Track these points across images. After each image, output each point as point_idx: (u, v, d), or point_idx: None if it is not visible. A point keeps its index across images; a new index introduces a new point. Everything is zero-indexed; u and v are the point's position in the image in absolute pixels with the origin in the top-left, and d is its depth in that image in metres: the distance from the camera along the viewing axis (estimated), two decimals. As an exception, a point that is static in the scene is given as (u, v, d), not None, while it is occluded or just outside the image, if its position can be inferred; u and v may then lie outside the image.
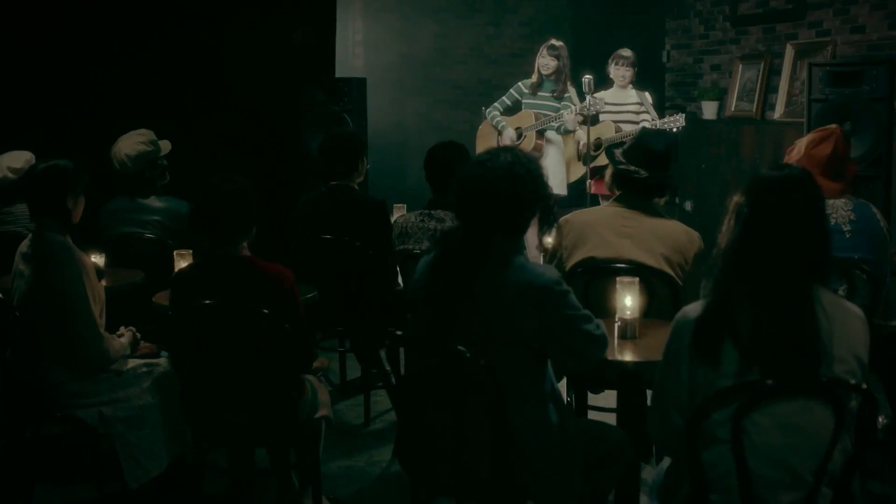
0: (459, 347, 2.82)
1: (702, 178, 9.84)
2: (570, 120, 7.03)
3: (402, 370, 3.15)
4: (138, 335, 4.25)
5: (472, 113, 11.97)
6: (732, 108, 9.68)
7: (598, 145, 7.18)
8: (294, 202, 7.47)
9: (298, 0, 7.80)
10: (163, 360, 4.13)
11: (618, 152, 4.11)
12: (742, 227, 2.58)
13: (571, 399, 4.16)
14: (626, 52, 7.30)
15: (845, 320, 2.54)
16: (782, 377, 2.47)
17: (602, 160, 7.19)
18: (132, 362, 4.07)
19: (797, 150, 4.40)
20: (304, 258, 5.18)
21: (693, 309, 2.62)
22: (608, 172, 4.19)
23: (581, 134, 7.16)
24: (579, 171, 7.33)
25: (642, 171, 3.99)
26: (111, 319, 4.14)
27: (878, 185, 6.11)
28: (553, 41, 7.36)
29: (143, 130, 5.28)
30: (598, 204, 7.37)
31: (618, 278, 3.47)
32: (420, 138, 12.43)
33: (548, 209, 3.11)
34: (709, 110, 9.87)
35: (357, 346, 5.46)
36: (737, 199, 2.64)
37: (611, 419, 4.38)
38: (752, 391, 2.46)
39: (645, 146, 4.05)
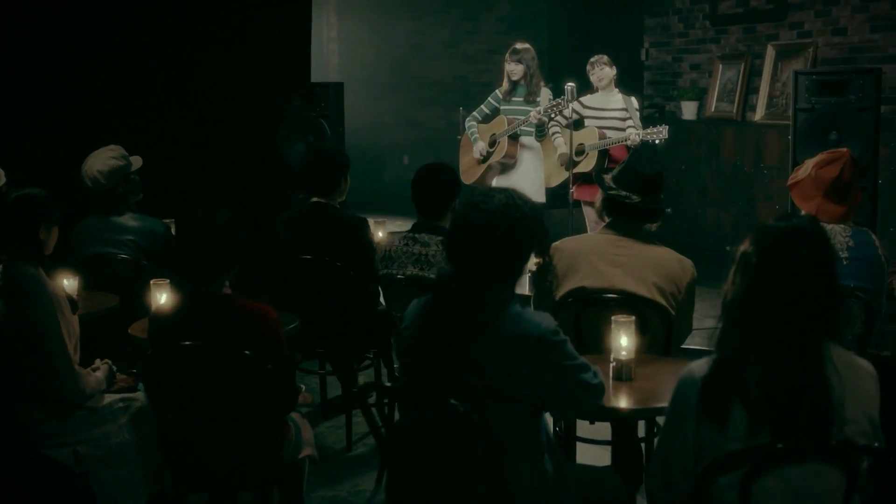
0: (452, 401, 2.70)
1: (681, 179, 9.78)
2: (536, 117, 6.88)
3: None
4: (114, 368, 4.10)
5: (448, 110, 11.86)
6: (712, 109, 9.61)
7: (580, 151, 7.08)
8: (271, 210, 7.36)
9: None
10: (140, 394, 3.99)
11: (608, 178, 4.01)
12: (749, 280, 2.48)
13: (560, 428, 4.05)
14: (597, 56, 7.21)
15: (857, 379, 2.45)
16: (793, 440, 2.37)
17: (584, 166, 7.09)
18: (108, 398, 3.93)
19: (804, 169, 4.35)
20: (284, 278, 5.06)
21: (699, 367, 2.51)
22: (598, 198, 4.08)
23: (562, 141, 7.04)
24: (562, 175, 7.22)
25: (634, 196, 3.89)
26: (86, 349, 4.00)
27: (864, 196, 6.01)
28: (516, 45, 7.21)
29: (113, 146, 5.13)
30: (580, 209, 7.30)
31: (613, 317, 3.36)
32: (396, 136, 12.34)
33: (543, 246, 3.01)
34: (688, 110, 9.80)
35: (338, 366, 5.35)
36: (743, 248, 2.53)
37: (602, 451, 4.33)
38: (762, 456, 2.36)
39: (636, 170, 3.94)
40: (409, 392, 2.90)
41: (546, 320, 2.83)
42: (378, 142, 12.21)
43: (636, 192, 3.90)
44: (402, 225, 4.56)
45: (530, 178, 7.23)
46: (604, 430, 4.31)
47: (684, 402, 2.50)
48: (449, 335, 2.82)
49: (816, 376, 2.40)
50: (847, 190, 4.25)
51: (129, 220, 5.12)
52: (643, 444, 4.12)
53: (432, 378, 2.83)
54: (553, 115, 6.97)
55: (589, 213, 7.23)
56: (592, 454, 4.39)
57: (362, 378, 5.72)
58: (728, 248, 9.61)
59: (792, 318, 2.42)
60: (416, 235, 4.41)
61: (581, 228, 7.27)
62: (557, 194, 7.54)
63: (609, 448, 3.96)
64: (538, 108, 6.92)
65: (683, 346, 4.08)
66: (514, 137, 7.13)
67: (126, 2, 7.00)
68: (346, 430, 5.16)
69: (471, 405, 2.71)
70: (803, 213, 4.34)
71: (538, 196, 7.24)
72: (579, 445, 4.14)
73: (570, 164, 6.96)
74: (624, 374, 3.30)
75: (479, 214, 2.84)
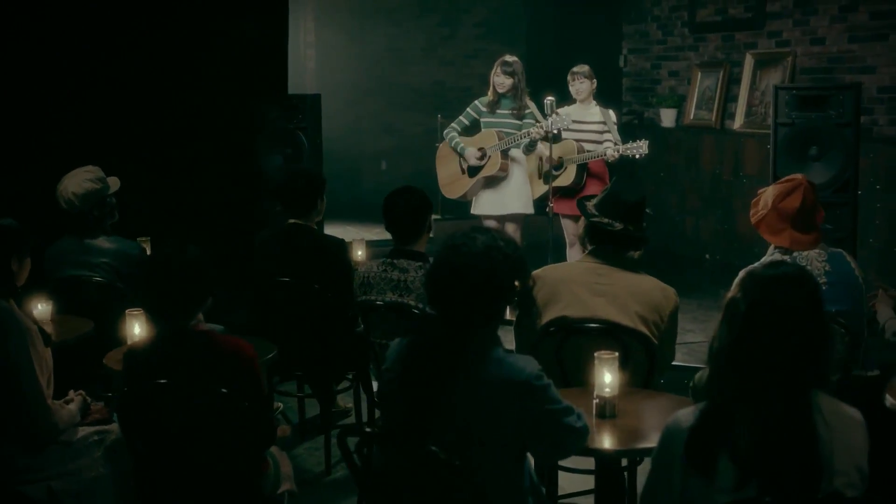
0: (433, 448, 2.65)
1: (660, 185, 9.77)
2: (538, 134, 6.81)
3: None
4: (88, 399, 4.03)
5: (426, 115, 11.82)
6: (691, 117, 9.60)
7: (558, 164, 7.04)
8: (250, 223, 7.28)
9: (249, 2, 7.57)
10: (115, 426, 3.90)
11: (590, 205, 3.96)
12: (737, 328, 2.43)
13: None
14: (578, 67, 7.15)
15: (846, 429, 2.42)
16: (782, 494, 2.33)
17: (563, 180, 7.06)
18: (82, 430, 3.85)
19: (763, 203, 4.25)
20: (262, 300, 5.01)
21: (685, 416, 2.47)
22: (580, 225, 4.03)
23: (543, 149, 6.97)
24: (540, 188, 7.18)
25: (616, 224, 3.85)
26: (60, 375, 3.93)
27: (845, 212, 6.03)
28: (506, 57, 7.13)
29: (90, 167, 5.03)
30: (560, 223, 7.26)
31: (596, 354, 3.31)
32: (374, 142, 12.27)
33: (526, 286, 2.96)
34: (667, 118, 9.79)
35: (317, 387, 5.29)
36: (731, 295, 2.49)
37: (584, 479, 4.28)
38: (750, 510, 2.32)
39: (618, 197, 3.90)
40: (390, 437, 2.84)
41: (529, 364, 2.78)
42: (355, 148, 12.13)
43: (618, 220, 3.85)
44: (381, 233, 4.53)
45: (519, 190, 7.18)
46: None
47: (670, 452, 2.45)
48: (431, 379, 2.77)
49: (805, 427, 2.36)
50: (812, 216, 4.20)
51: (103, 242, 5.04)
52: (626, 473, 4.07)
53: (413, 422, 2.78)
54: (558, 131, 6.83)
55: (567, 226, 7.20)
56: (576, 483, 4.36)
57: (341, 400, 5.67)
58: (707, 256, 9.64)
59: (780, 367, 2.39)
60: (395, 261, 4.37)
61: (559, 239, 7.25)
62: (536, 205, 7.50)
63: (591, 476, 3.92)
64: (539, 124, 6.80)
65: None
66: (504, 153, 7.05)
67: (98, 16, 6.89)
68: (324, 452, 5.11)
69: (453, 452, 2.65)
70: (772, 248, 4.31)
71: (527, 208, 7.20)
72: (561, 475, 4.11)
73: (547, 176, 6.91)
74: (608, 412, 3.26)
75: (460, 257, 2.78)
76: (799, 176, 4.30)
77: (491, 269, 2.78)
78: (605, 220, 3.87)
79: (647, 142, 6.71)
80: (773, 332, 2.40)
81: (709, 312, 7.21)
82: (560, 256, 7.12)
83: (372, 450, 2.80)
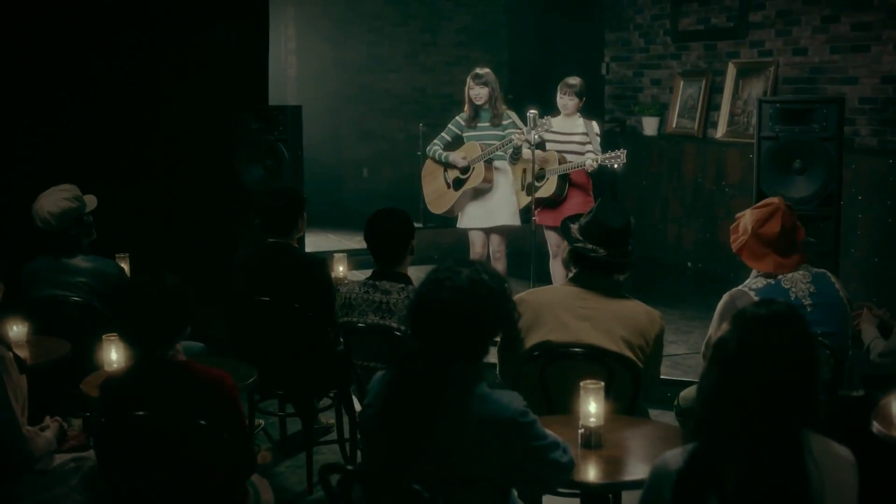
0: (415, 486, 2.60)
1: (642, 194, 9.76)
2: (519, 140, 6.76)
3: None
4: (65, 425, 3.97)
5: (407, 121, 11.79)
6: (673, 125, 9.58)
7: (541, 175, 7.00)
8: (228, 236, 7.23)
9: (229, 6, 7.52)
10: (92, 453, 3.84)
11: (574, 228, 3.92)
12: (727, 368, 2.39)
13: None
14: (573, 81, 7.09)
15: (836, 469, 2.38)
16: (771, 537, 2.29)
17: (545, 191, 7.02)
18: (59, 458, 3.81)
19: (743, 229, 4.20)
20: (242, 319, 4.95)
21: (673, 458, 2.42)
22: (564, 248, 3.99)
23: (529, 153, 6.90)
24: (524, 200, 7.15)
25: (600, 250, 3.81)
26: (35, 400, 3.87)
27: (828, 225, 6.01)
28: (477, 70, 7.11)
29: (66, 186, 4.96)
30: (544, 235, 7.22)
31: (582, 383, 3.27)
32: (355, 149, 12.22)
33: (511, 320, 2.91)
34: (649, 126, 9.77)
35: (298, 404, 5.24)
36: (720, 335, 2.45)
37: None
38: (739, 554, 2.28)
39: (601, 223, 3.86)
40: (372, 475, 2.79)
41: (515, 401, 2.74)
42: (337, 155, 12.08)
43: (602, 245, 3.81)
44: (363, 241, 4.47)
45: (505, 201, 7.16)
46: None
47: (658, 495, 2.41)
48: (413, 415, 2.72)
49: (794, 469, 2.33)
50: (793, 238, 4.16)
51: (80, 261, 4.96)
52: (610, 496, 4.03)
53: (395, 459, 2.73)
54: (539, 137, 6.77)
55: (550, 237, 7.17)
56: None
57: (323, 417, 5.61)
58: (689, 264, 9.62)
59: (770, 409, 2.35)
60: (377, 283, 4.31)
61: (542, 249, 7.21)
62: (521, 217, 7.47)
63: (577, 500, 3.88)
64: (523, 129, 6.75)
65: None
66: (488, 162, 7.03)
67: (73, 27, 6.82)
68: (306, 470, 5.05)
69: (436, 490, 2.61)
70: (756, 273, 4.26)
71: (513, 220, 7.17)
72: (546, 498, 4.06)
73: (530, 188, 6.88)
74: (593, 442, 3.21)
75: (444, 292, 2.74)
76: (776, 200, 4.25)
77: (475, 304, 2.73)
78: (589, 247, 3.83)
79: (626, 151, 6.68)
80: (763, 375, 2.36)
81: (691, 323, 7.19)
82: (543, 266, 7.09)
83: (353, 487, 2.74)
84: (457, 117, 7.23)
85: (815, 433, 2.42)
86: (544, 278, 6.97)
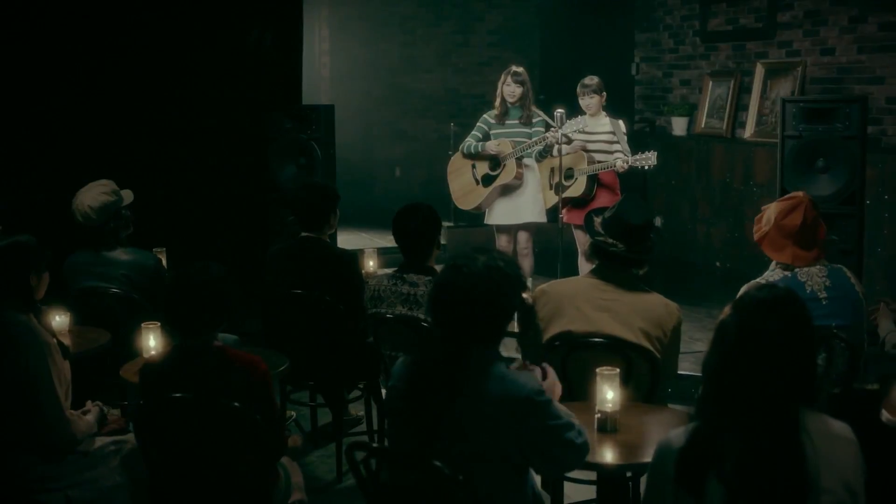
0: (437, 463, 2.74)
1: (671, 194, 9.83)
2: (553, 138, 6.86)
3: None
4: (105, 409, 4.14)
5: (439, 122, 11.89)
6: (702, 125, 9.66)
7: (569, 175, 7.11)
8: (263, 233, 7.39)
9: (263, 7, 7.69)
10: (131, 436, 4.01)
11: (597, 221, 4.04)
12: (726, 350, 2.51)
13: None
14: (588, 80, 7.19)
15: (833, 446, 2.48)
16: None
17: (574, 191, 7.13)
18: (100, 440, 3.96)
19: (766, 220, 4.34)
20: (274, 313, 5.10)
21: (676, 436, 2.54)
22: (587, 241, 4.12)
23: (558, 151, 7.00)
24: (551, 199, 7.25)
25: (620, 245, 3.93)
26: (77, 388, 4.03)
27: (851, 224, 6.07)
28: (514, 68, 7.25)
29: (104, 181, 5.15)
30: (571, 234, 7.34)
31: (598, 370, 3.40)
32: (387, 149, 12.37)
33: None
34: (678, 126, 9.84)
35: (328, 396, 5.38)
36: (722, 317, 2.57)
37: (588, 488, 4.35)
38: (739, 529, 2.39)
39: (622, 219, 3.97)
40: (395, 453, 2.93)
41: (530, 381, 2.87)
42: (369, 154, 12.23)
43: (622, 241, 3.93)
44: (393, 240, 4.61)
45: (533, 198, 7.29)
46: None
47: (662, 471, 2.53)
48: (434, 397, 2.86)
49: (791, 447, 2.43)
50: (814, 233, 4.29)
51: (120, 254, 5.14)
52: (630, 483, 4.14)
53: (418, 438, 2.87)
54: (568, 138, 6.89)
55: (579, 236, 7.26)
56: (581, 492, 4.43)
57: (352, 408, 5.75)
58: (717, 264, 9.66)
59: (768, 389, 2.45)
60: (405, 276, 4.45)
61: (569, 248, 7.32)
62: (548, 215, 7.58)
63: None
64: (553, 128, 6.88)
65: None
66: (518, 159, 7.15)
67: (111, 28, 7.00)
68: (336, 460, 5.19)
69: (456, 467, 2.74)
70: (774, 264, 4.38)
71: (540, 217, 7.29)
72: (567, 485, 4.18)
73: (558, 187, 6.99)
74: (609, 426, 3.34)
75: (461, 277, 2.87)
76: (800, 193, 4.39)
77: (491, 288, 2.87)
78: (609, 241, 3.95)
79: (656, 153, 6.77)
80: (761, 357, 2.46)
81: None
82: (571, 264, 7.20)
83: (378, 463, 2.89)
84: (485, 115, 7.36)
85: (814, 412, 2.52)
86: (572, 276, 7.06)
